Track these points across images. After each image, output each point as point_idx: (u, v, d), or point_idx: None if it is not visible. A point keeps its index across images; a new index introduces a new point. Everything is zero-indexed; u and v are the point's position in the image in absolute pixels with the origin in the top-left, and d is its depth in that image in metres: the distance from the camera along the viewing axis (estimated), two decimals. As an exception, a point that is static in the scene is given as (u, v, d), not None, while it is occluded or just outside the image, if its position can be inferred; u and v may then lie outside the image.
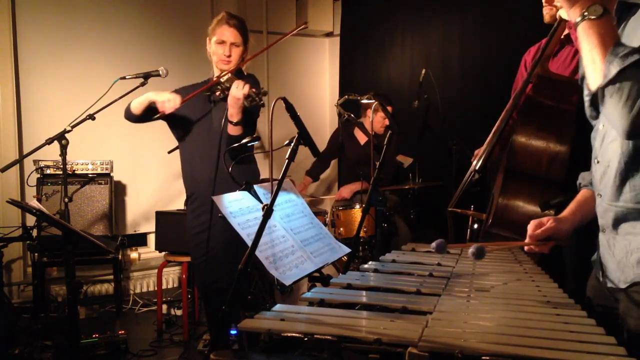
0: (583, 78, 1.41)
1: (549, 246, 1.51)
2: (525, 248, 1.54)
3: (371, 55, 5.25)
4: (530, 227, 1.51)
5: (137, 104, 2.75)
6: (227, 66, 2.74)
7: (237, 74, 2.75)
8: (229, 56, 2.74)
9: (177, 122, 2.88)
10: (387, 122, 4.24)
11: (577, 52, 2.47)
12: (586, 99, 1.41)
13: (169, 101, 2.63)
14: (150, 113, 2.76)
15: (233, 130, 2.65)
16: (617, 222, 1.35)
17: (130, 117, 2.83)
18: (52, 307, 4.12)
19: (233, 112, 2.61)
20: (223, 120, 2.70)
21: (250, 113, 2.72)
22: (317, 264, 2.07)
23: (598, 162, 1.40)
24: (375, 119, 4.25)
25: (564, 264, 2.42)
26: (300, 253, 2.06)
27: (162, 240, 3.96)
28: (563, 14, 2.30)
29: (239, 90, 2.53)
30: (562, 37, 2.50)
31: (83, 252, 3.78)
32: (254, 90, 2.55)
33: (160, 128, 2.98)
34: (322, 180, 5.69)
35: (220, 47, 2.75)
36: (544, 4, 2.49)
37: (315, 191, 5.55)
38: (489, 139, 2.54)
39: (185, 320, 3.74)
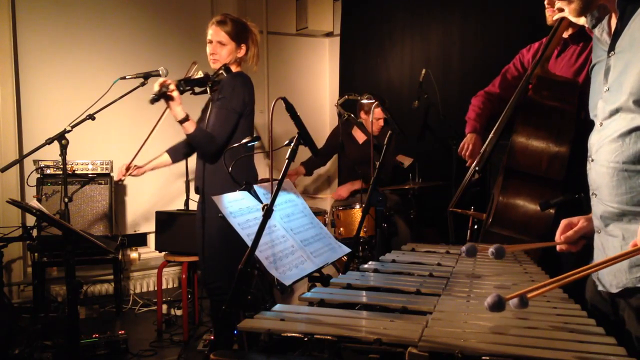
0: (593, 66, 1.40)
1: (580, 245, 1.50)
2: (557, 247, 1.53)
3: (371, 55, 5.25)
4: (560, 228, 1.50)
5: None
6: (215, 64, 2.83)
7: (225, 72, 2.79)
8: (213, 54, 2.83)
9: None
10: (381, 123, 4.24)
11: (581, 51, 2.47)
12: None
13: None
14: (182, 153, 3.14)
15: (184, 129, 2.69)
16: (612, 223, 1.33)
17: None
18: (52, 307, 4.12)
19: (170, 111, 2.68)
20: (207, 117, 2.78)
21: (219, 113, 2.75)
22: (317, 264, 2.07)
23: (593, 160, 1.38)
24: (370, 121, 4.24)
25: (561, 264, 2.42)
26: (300, 253, 2.06)
27: (162, 240, 3.95)
28: (566, 14, 2.30)
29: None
30: (567, 37, 2.50)
31: (83, 252, 3.79)
32: (163, 84, 2.58)
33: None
34: (323, 179, 5.69)
35: (209, 46, 2.85)
36: (546, 7, 2.49)
37: (315, 190, 5.56)
38: (489, 138, 2.54)
39: (185, 320, 3.74)
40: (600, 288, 1.40)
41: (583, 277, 1.19)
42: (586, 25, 1.41)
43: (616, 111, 1.29)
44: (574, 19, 1.43)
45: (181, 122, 2.64)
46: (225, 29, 2.82)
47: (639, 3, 1.25)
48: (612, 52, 1.31)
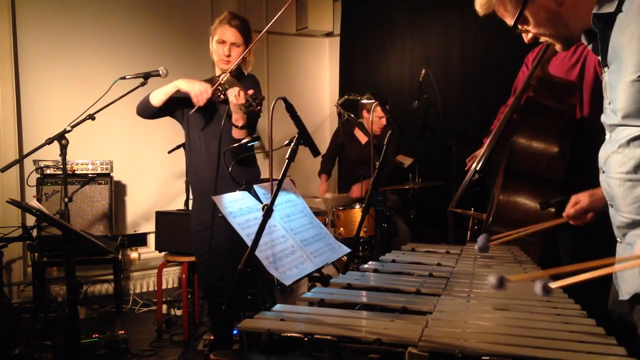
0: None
1: (589, 217, 1.71)
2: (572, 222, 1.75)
3: (371, 55, 5.25)
4: (569, 204, 1.73)
5: (161, 94, 2.72)
6: (226, 66, 2.75)
7: (237, 74, 2.75)
8: (228, 56, 2.75)
9: (186, 119, 2.90)
10: (384, 121, 4.24)
11: (574, 52, 2.48)
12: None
13: (203, 92, 2.61)
14: (170, 106, 2.76)
15: (237, 134, 2.67)
16: (629, 232, 1.34)
17: (145, 109, 2.79)
18: (52, 307, 4.11)
19: (237, 117, 2.63)
20: (223, 120, 2.71)
21: (251, 116, 2.73)
22: (317, 264, 2.07)
23: (604, 172, 1.40)
24: (373, 119, 4.23)
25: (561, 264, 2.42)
26: (300, 253, 2.06)
27: (162, 240, 3.95)
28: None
29: (235, 99, 2.53)
30: None
31: (83, 252, 3.78)
32: (251, 94, 2.53)
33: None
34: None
35: (221, 46, 2.76)
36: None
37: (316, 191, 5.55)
38: (488, 139, 2.54)
39: (185, 320, 3.74)
40: (619, 298, 1.41)
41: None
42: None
43: (616, 125, 1.33)
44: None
45: (242, 127, 2.64)
46: (241, 31, 2.76)
47: (613, 17, 1.27)
48: (607, 68, 1.33)
